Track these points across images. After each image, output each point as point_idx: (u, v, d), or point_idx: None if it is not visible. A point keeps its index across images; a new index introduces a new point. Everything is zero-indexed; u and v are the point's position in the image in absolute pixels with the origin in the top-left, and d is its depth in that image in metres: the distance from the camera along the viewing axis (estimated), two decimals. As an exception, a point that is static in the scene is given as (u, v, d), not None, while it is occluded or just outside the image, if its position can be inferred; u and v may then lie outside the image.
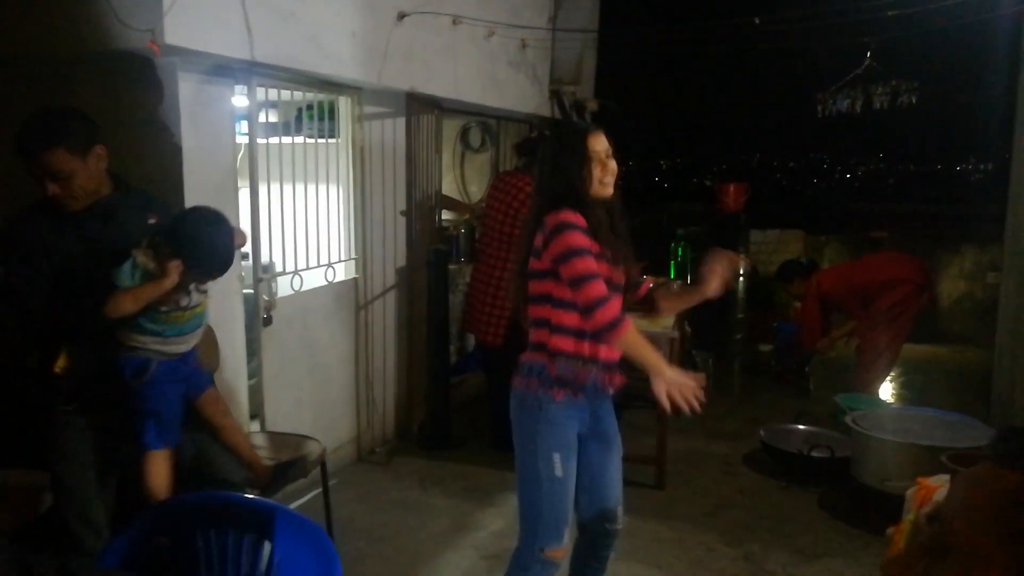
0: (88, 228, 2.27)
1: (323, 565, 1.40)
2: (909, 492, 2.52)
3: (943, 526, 0.76)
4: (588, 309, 2.08)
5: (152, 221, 2.38)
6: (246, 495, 1.67)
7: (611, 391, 2.30)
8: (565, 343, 2.19)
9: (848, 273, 5.28)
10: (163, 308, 2.24)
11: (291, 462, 2.92)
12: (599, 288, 2.08)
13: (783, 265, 5.88)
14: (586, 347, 2.19)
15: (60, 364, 2.24)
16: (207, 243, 2.22)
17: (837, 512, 3.66)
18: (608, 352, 2.22)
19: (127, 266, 2.18)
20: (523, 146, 4.47)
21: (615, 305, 2.10)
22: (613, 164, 2.24)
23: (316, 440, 3.14)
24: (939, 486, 2.36)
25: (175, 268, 2.16)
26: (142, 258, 2.18)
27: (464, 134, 5.75)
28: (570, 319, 2.17)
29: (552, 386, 2.19)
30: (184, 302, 2.28)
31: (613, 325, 2.07)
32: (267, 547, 1.49)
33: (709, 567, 3.20)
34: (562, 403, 2.20)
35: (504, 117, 5.58)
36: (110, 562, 1.45)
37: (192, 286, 2.29)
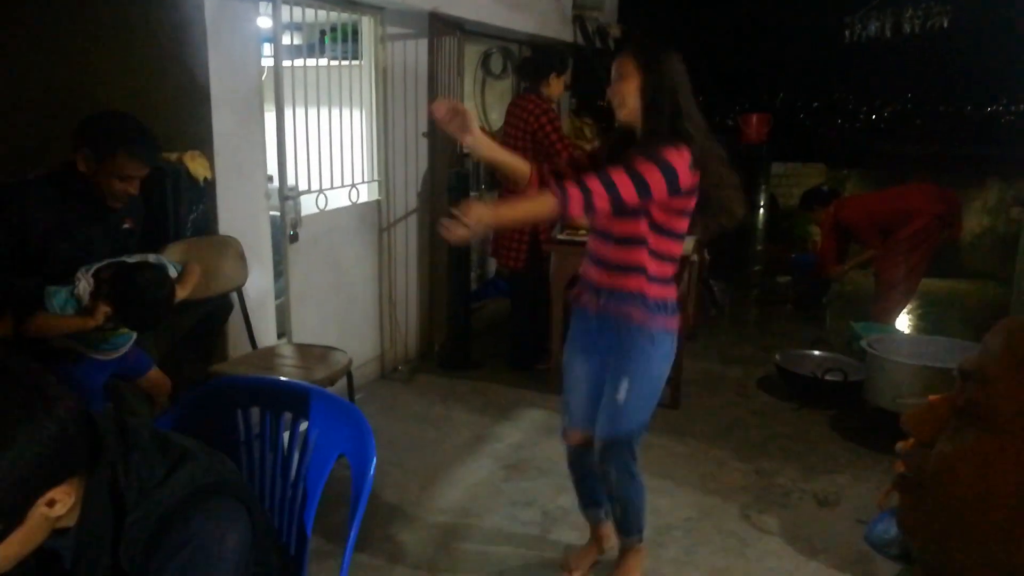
0: (76, 225, 2.30)
1: (357, 439, 1.49)
2: (920, 408, 2.58)
3: (980, 384, 0.64)
4: None
5: (126, 226, 2.45)
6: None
7: (604, 314, 2.27)
8: None
9: (869, 202, 5.23)
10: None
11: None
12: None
13: (805, 194, 5.82)
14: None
15: (1, 329, 2.24)
16: (144, 305, 2.27)
17: (848, 433, 3.75)
18: (589, 271, 2.32)
19: (65, 292, 2.21)
20: (523, 69, 4.48)
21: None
22: (619, 87, 2.16)
23: (342, 351, 3.24)
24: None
25: (103, 313, 2.21)
26: (82, 287, 2.22)
27: (485, 60, 5.70)
28: None
29: None
30: (108, 326, 2.32)
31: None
32: (303, 425, 1.58)
33: (720, 480, 3.31)
34: (576, 305, 2.41)
35: (526, 42, 5.53)
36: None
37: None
